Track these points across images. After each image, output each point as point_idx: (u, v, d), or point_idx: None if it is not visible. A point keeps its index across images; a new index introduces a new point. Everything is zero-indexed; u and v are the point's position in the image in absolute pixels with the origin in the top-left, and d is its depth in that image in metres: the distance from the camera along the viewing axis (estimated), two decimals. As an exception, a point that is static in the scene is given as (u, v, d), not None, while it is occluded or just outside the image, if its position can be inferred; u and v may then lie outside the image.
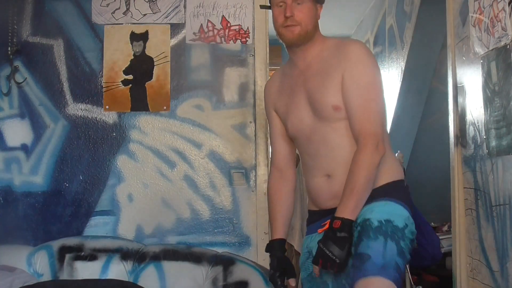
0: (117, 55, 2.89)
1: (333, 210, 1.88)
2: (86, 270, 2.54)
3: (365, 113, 1.89)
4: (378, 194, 1.92)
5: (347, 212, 1.83)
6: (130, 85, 2.89)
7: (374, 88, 1.93)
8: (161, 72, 2.89)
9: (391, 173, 2.00)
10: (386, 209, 1.88)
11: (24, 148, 2.88)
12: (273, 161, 2.16)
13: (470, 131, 2.58)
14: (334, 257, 1.79)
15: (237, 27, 2.91)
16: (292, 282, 2.02)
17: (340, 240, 1.81)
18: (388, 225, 1.85)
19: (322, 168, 2.00)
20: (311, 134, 2.02)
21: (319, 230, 1.92)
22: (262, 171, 2.87)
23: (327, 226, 1.87)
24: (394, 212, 1.89)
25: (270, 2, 2.06)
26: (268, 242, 2.12)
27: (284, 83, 2.12)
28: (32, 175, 2.87)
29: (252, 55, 2.90)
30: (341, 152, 1.96)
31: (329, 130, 1.97)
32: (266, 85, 2.23)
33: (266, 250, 2.09)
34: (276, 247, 2.06)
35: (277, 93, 2.14)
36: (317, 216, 2.04)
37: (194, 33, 2.91)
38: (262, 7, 2.23)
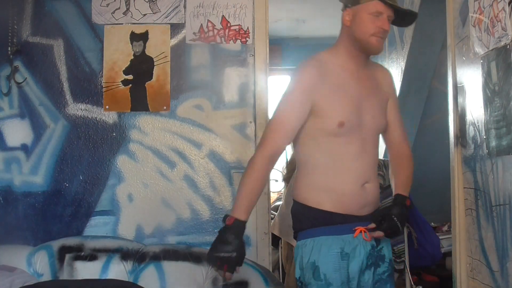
0: (117, 55, 2.89)
1: (364, 217, 2.10)
2: (86, 270, 2.54)
3: (403, 129, 2.28)
4: None
5: (406, 193, 2.16)
6: (130, 85, 2.89)
7: None
8: (161, 72, 2.89)
9: None
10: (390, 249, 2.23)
11: (24, 148, 2.88)
12: (268, 149, 2.06)
13: (470, 131, 2.57)
14: (399, 229, 2.10)
15: (237, 27, 2.91)
16: (238, 270, 2.00)
17: (406, 217, 2.13)
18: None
19: (362, 174, 2.10)
20: (364, 139, 2.11)
21: (355, 235, 2.07)
22: (262, 171, 2.86)
23: (357, 232, 2.07)
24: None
25: (351, 3, 2.08)
26: (232, 219, 1.99)
27: (334, 78, 2.09)
28: (32, 175, 2.87)
29: (252, 55, 2.90)
30: (376, 161, 2.18)
31: (376, 140, 2.18)
32: (307, 71, 2.10)
33: (232, 226, 1.99)
34: (242, 229, 2.01)
35: (322, 86, 2.06)
36: (341, 219, 2.08)
37: (194, 33, 2.91)
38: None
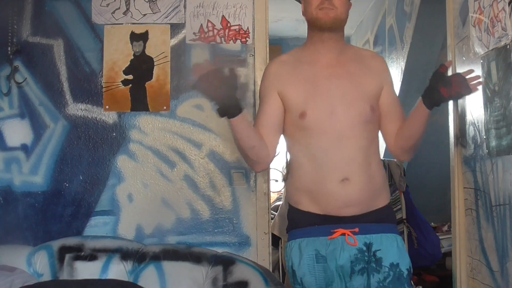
0: (117, 55, 2.89)
1: (345, 218, 1.97)
2: (86, 270, 2.54)
3: (402, 111, 2.19)
4: (387, 216, 2.09)
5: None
6: (130, 85, 2.89)
7: None
8: (161, 72, 2.89)
9: (388, 192, 2.16)
10: (403, 251, 2.05)
11: (24, 148, 2.88)
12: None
13: (470, 131, 2.57)
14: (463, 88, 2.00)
15: (237, 27, 2.91)
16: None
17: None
18: (410, 272, 2.03)
19: (339, 170, 1.98)
20: (339, 130, 1.99)
21: (330, 237, 1.97)
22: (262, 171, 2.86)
23: (336, 235, 1.95)
24: (405, 253, 2.06)
25: None
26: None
27: (301, 70, 2.07)
28: (32, 175, 2.87)
29: (252, 55, 2.90)
30: (360, 155, 2.01)
31: (358, 130, 2.01)
32: (270, 66, 2.16)
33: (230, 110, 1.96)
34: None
35: (288, 77, 2.07)
36: (319, 220, 2.01)
37: (194, 33, 2.90)
38: None
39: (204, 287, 2.46)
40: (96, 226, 2.85)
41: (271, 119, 2.08)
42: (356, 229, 1.98)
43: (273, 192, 4.95)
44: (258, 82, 2.89)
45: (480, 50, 2.38)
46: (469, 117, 2.59)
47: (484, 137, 2.38)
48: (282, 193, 4.72)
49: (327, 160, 1.99)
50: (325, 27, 2.03)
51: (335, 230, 1.98)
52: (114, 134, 2.89)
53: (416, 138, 2.13)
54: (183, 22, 2.91)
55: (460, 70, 2.70)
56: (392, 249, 2.02)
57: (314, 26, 2.06)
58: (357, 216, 2.01)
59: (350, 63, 2.09)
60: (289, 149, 2.13)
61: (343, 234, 1.98)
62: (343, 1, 2.03)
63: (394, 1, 4.66)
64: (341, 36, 2.10)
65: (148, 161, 2.88)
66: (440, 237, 3.51)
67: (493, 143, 2.29)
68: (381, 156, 2.74)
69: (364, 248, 2.00)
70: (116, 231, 2.86)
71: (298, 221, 2.07)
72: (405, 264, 2.03)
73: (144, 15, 2.90)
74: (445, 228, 4.20)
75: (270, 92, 2.09)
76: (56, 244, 2.64)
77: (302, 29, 5.81)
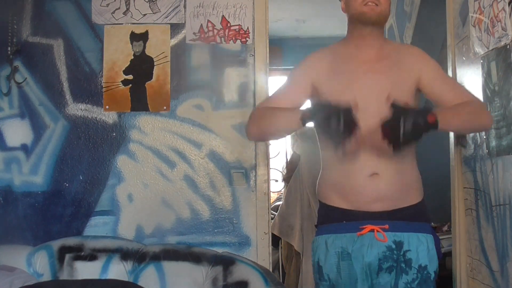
0: (117, 55, 2.89)
1: (375, 214, 1.94)
2: (86, 270, 2.54)
3: (461, 89, 2.15)
4: (420, 214, 2.04)
5: (442, 119, 1.89)
6: (130, 85, 2.89)
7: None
8: (161, 72, 2.89)
9: (421, 189, 2.13)
10: (433, 252, 2.00)
11: (24, 148, 2.88)
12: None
13: (470, 131, 2.57)
14: (402, 134, 1.81)
15: (237, 27, 2.91)
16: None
17: (420, 129, 1.85)
18: (437, 274, 2.00)
19: (368, 165, 1.96)
20: (370, 126, 1.92)
21: (359, 233, 1.94)
22: (262, 171, 2.86)
23: (365, 231, 1.92)
24: (435, 255, 2.02)
25: None
26: (303, 115, 1.92)
27: (339, 65, 2.07)
28: (32, 175, 2.87)
29: (252, 55, 2.90)
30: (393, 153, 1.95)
31: None
32: (309, 57, 2.15)
33: (310, 111, 1.93)
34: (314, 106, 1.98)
35: (325, 72, 2.07)
36: (348, 216, 1.98)
37: (194, 33, 2.90)
38: None
39: (204, 287, 2.46)
40: (96, 226, 2.85)
41: (292, 96, 2.08)
42: (386, 226, 1.95)
43: (273, 192, 4.96)
44: (258, 82, 2.89)
45: (480, 50, 2.38)
46: (469, 117, 2.58)
47: (484, 137, 2.38)
48: (282, 193, 4.73)
49: (357, 155, 1.97)
50: (369, 22, 2.04)
51: (364, 226, 1.96)
52: (114, 134, 2.89)
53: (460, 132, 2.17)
54: (183, 22, 2.91)
55: (460, 70, 2.71)
56: (422, 251, 1.99)
57: (358, 21, 2.05)
58: (387, 212, 1.98)
59: (387, 59, 2.09)
60: (321, 145, 2.12)
61: (372, 230, 1.95)
62: None
63: (394, 1, 4.65)
64: (381, 33, 2.14)
65: (148, 161, 2.88)
66: (440, 237, 3.49)
67: (493, 143, 2.29)
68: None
69: (394, 246, 1.97)
70: (116, 231, 2.86)
71: (326, 217, 2.06)
72: (433, 266, 2.00)
73: (144, 15, 2.90)
74: (445, 228, 4.20)
75: (303, 78, 2.09)
76: (56, 244, 2.63)
77: (302, 29, 5.84)
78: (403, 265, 1.96)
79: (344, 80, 2.04)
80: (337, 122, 1.81)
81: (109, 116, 2.89)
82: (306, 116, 1.92)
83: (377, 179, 1.96)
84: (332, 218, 2.03)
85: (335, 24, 5.76)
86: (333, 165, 2.04)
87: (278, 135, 2.17)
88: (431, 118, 1.86)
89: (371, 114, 1.94)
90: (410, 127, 1.81)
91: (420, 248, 1.99)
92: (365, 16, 2.03)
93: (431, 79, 2.09)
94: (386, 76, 2.05)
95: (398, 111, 1.84)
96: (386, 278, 1.96)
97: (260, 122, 2.07)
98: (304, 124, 1.93)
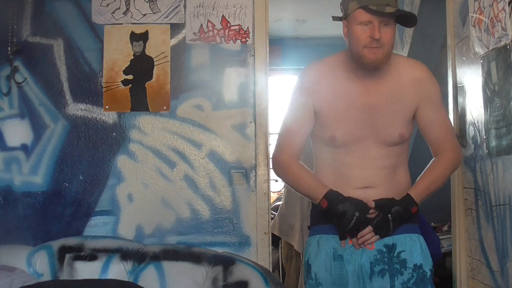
0: (117, 55, 2.89)
1: (369, 219, 1.98)
2: (86, 270, 2.54)
3: (448, 128, 2.15)
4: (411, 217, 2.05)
5: (420, 201, 2.03)
6: (130, 85, 2.89)
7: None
8: (161, 72, 2.89)
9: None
10: (426, 251, 2.04)
11: (24, 148, 2.88)
12: (291, 151, 2.07)
13: (470, 131, 2.57)
14: (389, 230, 1.98)
15: (237, 27, 2.91)
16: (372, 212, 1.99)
17: (403, 221, 1.99)
18: (433, 272, 2.03)
19: (362, 180, 2.01)
20: (365, 153, 2.01)
21: (350, 241, 1.99)
22: (262, 171, 2.86)
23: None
24: (428, 254, 2.05)
25: (344, 15, 1.99)
26: (324, 198, 1.98)
27: (337, 87, 2.03)
28: (32, 175, 2.87)
29: (252, 55, 2.90)
30: (385, 171, 2.04)
31: (384, 152, 2.03)
32: (310, 73, 2.10)
33: (330, 201, 1.96)
34: (336, 193, 1.98)
35: (324, 93, 2.04)
36: None
37: (194, 33, 2.90)
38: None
39: (204, 287, 2.46)
40: (96, 226, 2.85)
41: (309, 125, 2.08)
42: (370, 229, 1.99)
43: (273, 192, 4.95)
44: (258, 82, 2.89)
45: (480, 50, 2.38)
46: (469, 117, 2.59)
47: (484, 137, 2.38)
48: (282, 193, 4.73)
49: (350, 173, 2.03)
50: (369, 67, 1.98)
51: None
52: (114, 134, 2.89)
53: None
54: (183, 22, 2.91)
55: (460, 70, 2.71)
56: (416, 250, 2.01)
57: (358, 63, 1.98)
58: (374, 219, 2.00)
59: (387, 89, 2.04)
60: (314, 152, 2.14)
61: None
62: (392, 35, 1.95)
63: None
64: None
65: (148, 161, 2.88)
66: (440, 237, 3.50)
67: (493, 143, 2.29)
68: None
69: (384, 250, 1.99)
70: (116, 231, 2.86)
71: (318, 218, 2.07)
72: (428, 264, 2.03)
73: (144, 15, 2.90)
74: (445, 228, 4.19)
75: (306, 101, 2.06)
76: (56, 244, 2.63)
77: (302, 29, 5.84)
78: (397, 266, 1.99)
79: (341, 109, 2.02)
80: (349, 220, 1.94)
81: (109, 116, 2.89)
82: (322, 206, 1.99)
83: (369, 191, 2.00)
84: (325, 219, 2.04)
85: (335, 24, 5.77)
86: (325, 175, 2.07)
87: (298, 192, 2.22)
88: (414, 209, 2.00)
89: (365, 144, 2.01)
90: (398, 223, 1.98)
91: (414, 248, 2.01)
92: (366, 61, 1.95)
93: (426, 111, 2.08)
94: (383, 109, 2.03)
95: (385, 215, 1.96)
96: (379, 282, 1.98)
97: (287, 177, 2.15)
98: (320, 204, 2.00)
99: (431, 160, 2.14)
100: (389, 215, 1.96)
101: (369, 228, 1.97)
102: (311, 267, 2.03)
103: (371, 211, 1.97)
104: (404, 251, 2.00)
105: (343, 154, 2.03)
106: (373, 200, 1.98)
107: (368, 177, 2.02)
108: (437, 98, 2.11)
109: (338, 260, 1.99)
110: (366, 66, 1.97)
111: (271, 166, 2.20)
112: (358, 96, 2.01)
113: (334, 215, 1.96)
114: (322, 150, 2.09)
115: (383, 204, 1.97)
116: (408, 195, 2.01)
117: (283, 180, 2.23)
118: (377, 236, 1.97)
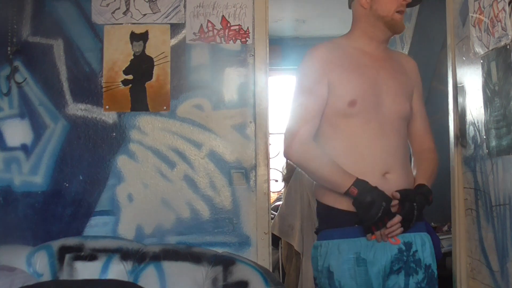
0: (117, 55, 2.89)
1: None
2: (86, 270, 2.54)
3: (426, 123, 2.19)
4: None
5: (429, 184, 2.03)
6: (130, 85, 2.89)
7: None
8: (161, 72, 2.89)
9: None
10: (433, 251, 2.03)
11: (24, 148, 2.88)
12: (306, 135, 1.97)
13: (470, 131, 2.57)
14: (412, 222, 1.95)
15: (237, 27, 2.91)
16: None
17: (421, 212, 1.98)
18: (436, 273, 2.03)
19: (381, 163, 1.96)
20: (382, 123, 1.98)
21: (373, 236, 1.93)
22: (262, 171, 2.86)
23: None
24: (434, 255, 2.04)
25: None
26: (353, 186, 1.90)
27: (351, 57, 2.04)
28: (32, 175, 2.87)
29: (252, 55, 2.90)
30: (400, 150, 2.02)
31: (398, 125, 2.03)
32: (319, 51, 2.04)
33: (359, 189, 1.89)
34: (366, 183, 1.91)
35: (339, 63, 2.01)
36: (358, 219, 1.94)
37: (194, 33, 2.90)
38: None
39: (204, 287, 2.46)
40: (96, 226, 2.85)
41: (321, 110, 2.00)
42: (399, 219, 1.94)
43: (273, 192, 4.95)
44: (258, 82, 2.89)
45: (480, 50, 2.38)
46: (469, 117, 2.59)
47: (484, 137, 2.38)
48: (282, 193, 4.73)
49: (370, 151, 1.96)
50: (397, 31, 2.06)
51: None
52: (114, 134, 2.89)
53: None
54: (183, 22, 2.91)
55: (460, 70, 2.71)
56: (426, 250, 1.99)
57: (387, 25, 2.03)
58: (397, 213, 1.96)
59: (393, 61, 2.11)
60: (324, 140, 2.02)
61: None
62: None
63: (394, 1, 4.65)
64: None
65: (148, 161, 2.88)
66: (440, 237, 3.49)
67: (493, 143, 2.29)
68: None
69: (404, 248, 1.95)
70: (116, 231, 2.86)
71: (334, 220, 1.99)
72: (435, 264, 2.01)
73: (144, 15, 2.90)
74: (445, 228, 4.19)
75: (321, 80, 1.99)
76: (56, 244, 2.63)
77: (302, 29, 5.83)
78: (413, 265, 1.95)
79: (358, 74, 2.01)
80: (377, 210, 1.89)
81: (109, 116, 2.89)
82: (351, 193, 1.92)
83: (389, 179, 1.96)
84: (342, 222, 1.97)
85: (335, 24, 5.76)
86: (342, 163, 1.95)
87: (318, 181, 2.05)
88: (431, 197, 2.00)
89: (382, 112, 2.00)
90: (419, 213, 1.96)
91: (424, 247, 1.99)
92: (395, 24, 2.03)
93: (416, 98, 2.16)
94: (394, 77, 2.07)
95: (411, 204, 1.94)
96: (393, 279, 1.94)
97: (309, 162, 2.00)
98: (346, 195, 1.93)
99: (418, 156, 2.14)
100: (415, 204, 1.94)
101: (398, 218, 1.92)
102: (333, 275, 1.94)
103: (393, 202, 1.92)
104: (417, 250, 1.97)
105: (362, 125, 1.96)
106: (397, 191, 1.94)
107: (386, 157, 1.96)
108: (422, 93, 2.21)
109: (362, 265, 1.92)
110: (395, 29, 2.05)
111: (283, 154, 2.07)
112: (372, 61, 2.05)
113: (361, 205, 1.90)
114: (339, 129, 1.99)
115: (406, 194, 1.95)
116: (422, 183, 2.01)
117: (303, 165, 2.02)
118: (402, 228, 1.93)
